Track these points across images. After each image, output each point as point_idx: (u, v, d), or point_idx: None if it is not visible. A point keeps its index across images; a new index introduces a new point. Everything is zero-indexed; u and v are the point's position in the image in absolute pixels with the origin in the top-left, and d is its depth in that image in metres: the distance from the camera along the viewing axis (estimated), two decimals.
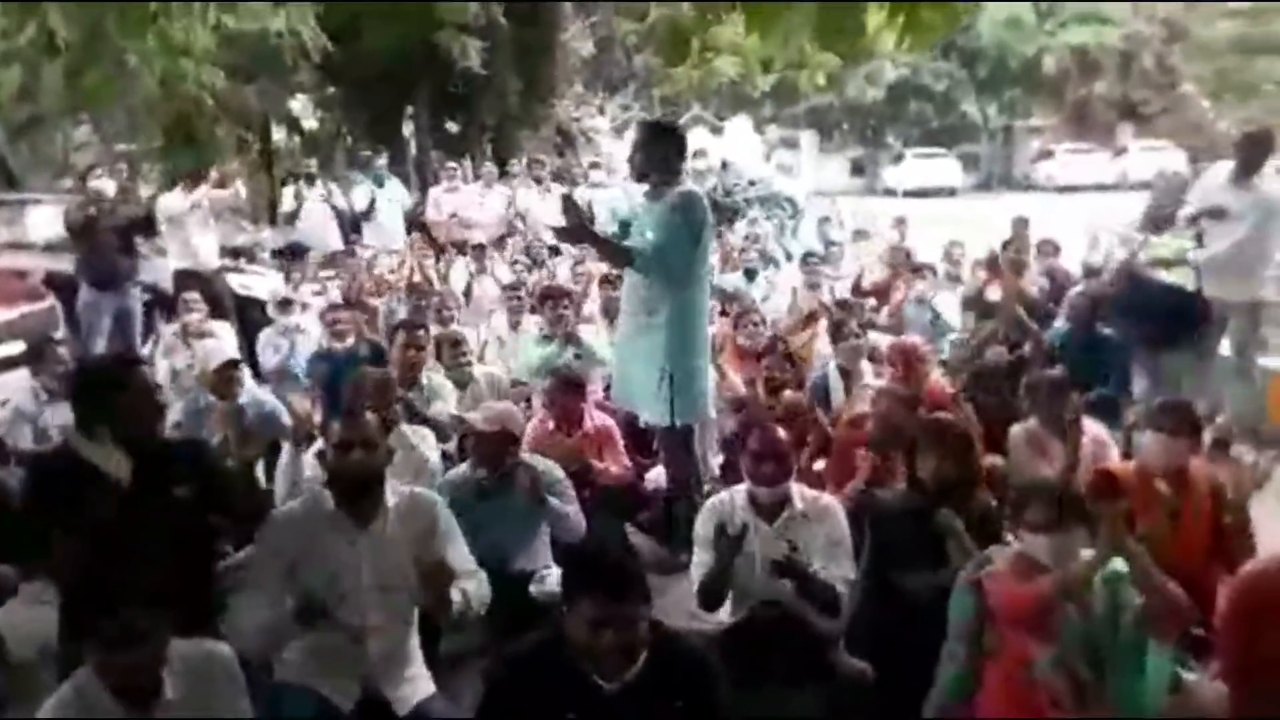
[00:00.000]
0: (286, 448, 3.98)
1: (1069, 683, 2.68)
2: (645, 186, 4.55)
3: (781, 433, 3.36)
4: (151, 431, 2.90)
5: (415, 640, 3.03)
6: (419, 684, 2.99)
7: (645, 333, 4.50)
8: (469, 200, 10.35)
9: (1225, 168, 5.93)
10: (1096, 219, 10.93)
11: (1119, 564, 2.77)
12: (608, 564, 2.33)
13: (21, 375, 5.58)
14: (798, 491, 3.36)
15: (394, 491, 2.99)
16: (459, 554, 3.03)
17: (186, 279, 7.69)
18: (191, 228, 7.88)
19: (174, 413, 4.56)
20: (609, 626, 2.20)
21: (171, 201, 7.96)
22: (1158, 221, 11.64)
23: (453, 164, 10.96)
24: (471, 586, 2.96)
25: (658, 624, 2.39)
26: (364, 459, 2.89)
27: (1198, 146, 15.11)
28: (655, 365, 4.47)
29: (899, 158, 32.20)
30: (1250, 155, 5.78)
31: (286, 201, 9.81)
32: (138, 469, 2.79)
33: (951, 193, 29.03)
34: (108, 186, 7.17)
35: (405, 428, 4.16)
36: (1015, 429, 4.31)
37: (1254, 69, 12.90)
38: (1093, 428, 4.22)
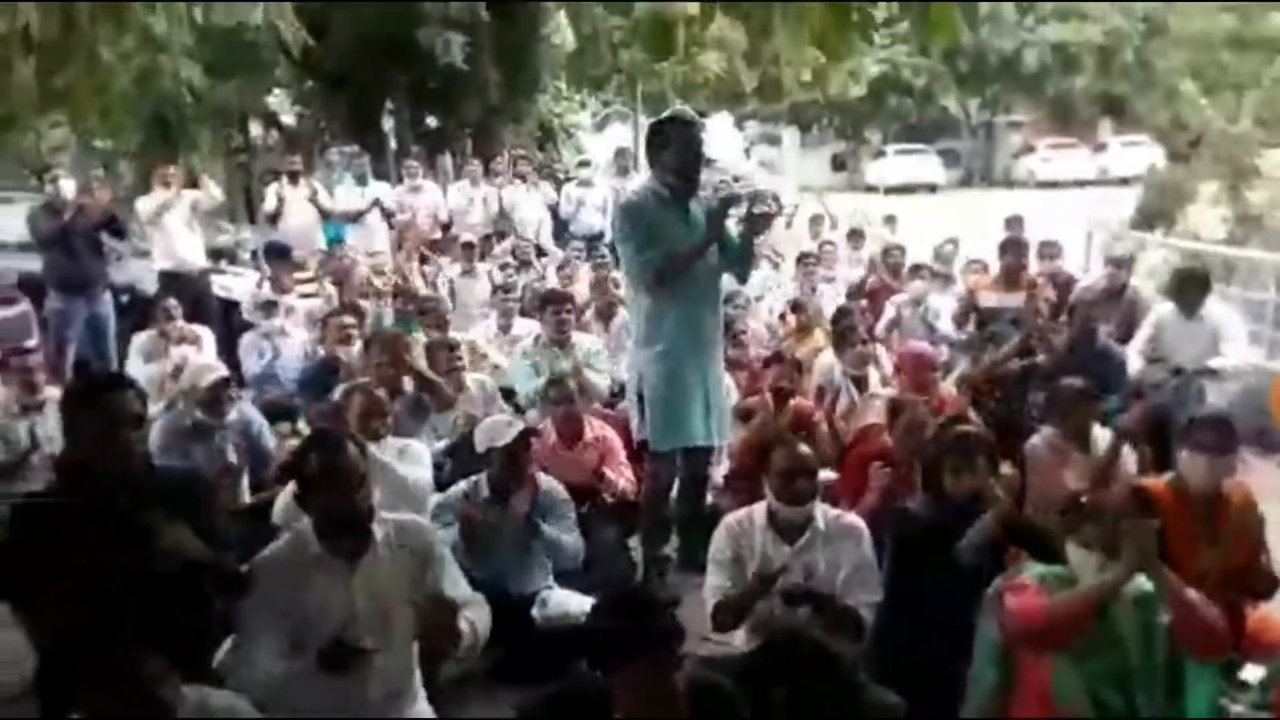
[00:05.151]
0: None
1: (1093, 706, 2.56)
2: (630, 183, 4.38)
3: (804, 449, 3.22)
4: (127, 459, 2.66)
5: (416, 675, 2.87)
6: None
7: (718, 356, 4.35)
8: (435, 199, 10.17)
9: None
10: (1089, 216, 10.86)
11: (1149, 585, 2.65)
12: (658, 613, 2.14)
13: None
14: (820, 510, 3.22)
15: (380, 520, 2.79)
16: (456, 584, 2.86)
17: (171, 281, 7.51)
18: (174, 227, 7.69)
19: (154, 430, 4.32)
20: (668, 673, 2.06)
21: (149, 202, 7.75)
22: (1151, 220, 11.69)
23: (413, 162, 10.75)
24: (475, 616, 2.78)
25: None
26: (353, 499, 2.67)
27: (1177, 142, 15.17)
28: (723, 385, 4.39)
29: (880, 154, 32.19)
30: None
31: (269, 201, 9.51)
32: (119, 501, 2.57)
33: (933, 189, 29.08)
34: (69, 187, 6.90)
35: (380, 448, 3.86)
36: (1035, 440, 4.19)
37: (1245, 64, 12.96)
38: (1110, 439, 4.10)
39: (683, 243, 4.09)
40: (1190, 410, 4.28)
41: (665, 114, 4.48)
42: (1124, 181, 21.10)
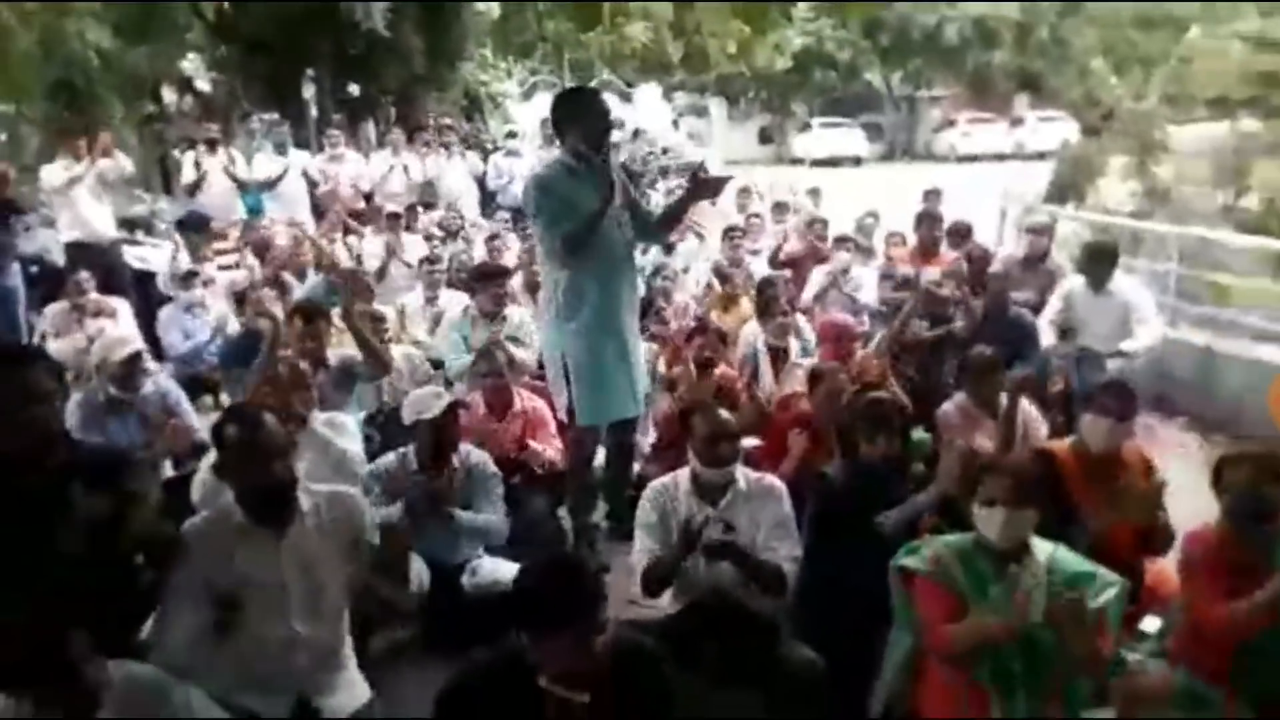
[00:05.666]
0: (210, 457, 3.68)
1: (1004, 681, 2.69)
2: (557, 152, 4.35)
3: (726, 414, 3.30)
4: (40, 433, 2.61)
5: (348, 645, 2.90)
6: (354, 689, 2.87)
7: (635, 326, 4.37)
8: (358, 169, 10.02)
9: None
10: (1004, 190, 11.15)
11: (1067, 559, 2.78)
12: (585, 578, 2.21)
13: None
14: (742, 473, 3.31)
15: (308, 492, 2.81)
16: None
17: (80, 252, 7.28)
18: (81, 197, 7.44)
19: (71, 405, 4.23)
20: (594, 637, 2.13)
21: (55, 171, 7.49)
22: (1064, 193, 12.05)
23: (335, 131, 10.58)
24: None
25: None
26: (274, 470, 2.68)
27: (1090, 117, 15.67)
28: (641, 355, 4.42)
29: (806, 127, 32.54)
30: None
31: (186, 170, 9.25)
32: (39, 478, 2.53)
33: (857, 161, 29.52)
34: None
35: (317, 421, 3.87)
36: (946, 405, 4.34)
37: (1153, 43, 13.39)
38: (1023, 405, 4.26)
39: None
40: (1092, 380, 4.47)
41: (569, 87, 4.49)
42: (1040, 156, 21.60)
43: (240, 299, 6.19)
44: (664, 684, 2.38)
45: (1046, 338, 5.74)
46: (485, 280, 5.60)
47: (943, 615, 2.70)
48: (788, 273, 7.64)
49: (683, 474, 3.33)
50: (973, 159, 27.08)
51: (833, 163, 28.10)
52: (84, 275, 6.39)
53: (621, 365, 4.21)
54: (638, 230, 4.30)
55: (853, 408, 3.54)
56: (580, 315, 4.15)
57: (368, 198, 9.83)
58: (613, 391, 4.22)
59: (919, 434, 4.60)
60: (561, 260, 4.13)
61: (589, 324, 4.15)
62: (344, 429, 3.96)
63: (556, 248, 4.12)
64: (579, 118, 4.15)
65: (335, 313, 5.54)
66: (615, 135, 14.74)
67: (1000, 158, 26.27)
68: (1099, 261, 5.74)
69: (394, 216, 8.05)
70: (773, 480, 3.36)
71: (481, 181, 10.65)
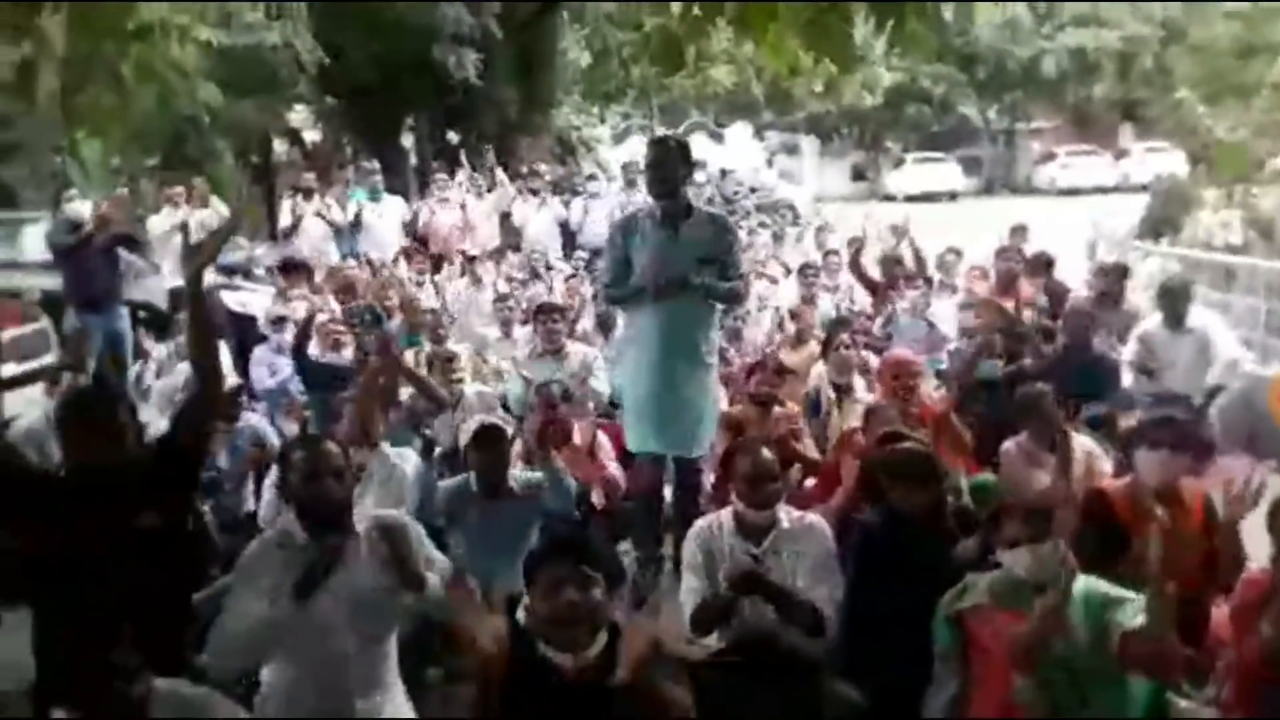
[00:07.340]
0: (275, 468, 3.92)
1: (1051, 707, 2.65)
2: (638, 195, 4.54)
3: (768, 454, 3.33)
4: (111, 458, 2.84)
5: (395, 670, 2.98)
6: (401, 715, 2.96)
7: (701, 370, 4.44)
8: (458, 212, 10.36)
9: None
10: (1097, 225, 10.86)
11: (1100, 585, 2.74)
12: (563, 535, 2.53)
13: (27, 394, 5.61)
14: (785, 512, 3.33)
15: (361, 516, 2.95)
16: (430, 560, 2.98)
17: (180, 298, 7.69)
18: (181, 245, 7.87)
19: None
20: (568, 585, 2.29)
21: (160, 221, 8.00)
22: (1158, 227, 11.67)
23: (443, 175, 10.97)
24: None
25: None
26: (328, 486, 2.82)
27: (1194, 148, 15.12)
28: (710, 399, 4.51)
29: (899, 162, 32.20)
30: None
31: (284, 216, 9.73)
32: (106, 496, 2.75)
33: (953, 197, 29.00)
34: (85, 208, 7.16)
35: (386, 448, 4.11)
36: (1007, 444, 4.28)
37: (1249, 71, 12.88)
38: (1085, 442, 4.18)
39: (662, 260, 4.25)
40: None
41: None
42: (1144, 188, 20.91)
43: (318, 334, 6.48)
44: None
45: (1127, 379, 5.61)
46: (538, 316, 5.87)
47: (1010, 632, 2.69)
48: (870, 303, 7.59)
49: (726, 514, 3.38)
50: (1074, 192, 26.37)
51: (928, 198, 27.68)
52: (184, 318, 6.77)
53: (662, 401, 4.32)
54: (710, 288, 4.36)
55: (878, 456, 3.49)
56: (632, 346, 4.44)
57: None
58: (644, 422, 4.39)
59: (985, 477, 4.51)
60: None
61: (637, 355, 4.39)
62: (405, 459, 4.15)
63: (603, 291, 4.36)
64: (645, 166, 4.40)
65: (411, 353, 5.80)
66: (700, 176, 14.96)
67: (1104, 191, 25.53)
68: (1172, 300, 5.62)
69: (470, 259, 8.33)
70: (815, 519, 3.36)
71: (566, 225, 10.90)
